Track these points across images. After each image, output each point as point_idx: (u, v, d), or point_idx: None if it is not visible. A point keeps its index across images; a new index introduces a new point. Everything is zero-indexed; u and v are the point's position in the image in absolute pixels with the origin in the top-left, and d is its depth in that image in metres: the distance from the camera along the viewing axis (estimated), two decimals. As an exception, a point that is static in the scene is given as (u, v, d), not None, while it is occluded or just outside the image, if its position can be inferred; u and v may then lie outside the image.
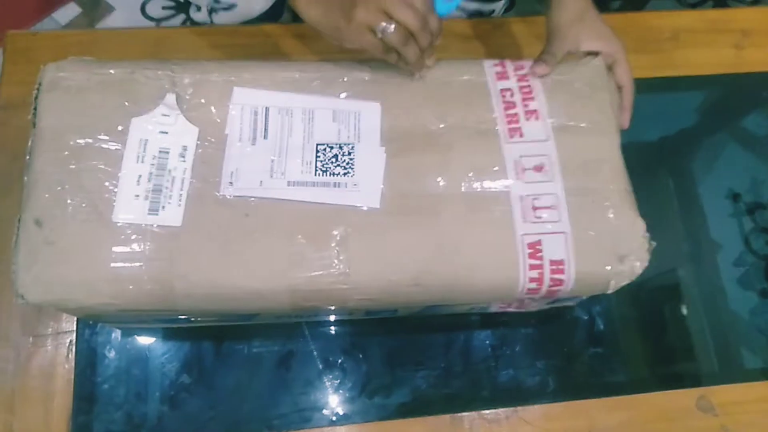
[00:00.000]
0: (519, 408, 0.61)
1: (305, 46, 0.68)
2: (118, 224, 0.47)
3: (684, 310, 0.68)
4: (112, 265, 0.46)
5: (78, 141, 0.49)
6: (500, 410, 0.61)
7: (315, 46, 0.68)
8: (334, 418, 0.60)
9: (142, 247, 0.47)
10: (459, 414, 0.60)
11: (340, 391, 0.61)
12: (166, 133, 0.50)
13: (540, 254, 0.50)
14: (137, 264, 0.46)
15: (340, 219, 0.49)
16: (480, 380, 0.63)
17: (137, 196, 0.48)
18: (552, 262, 0.50)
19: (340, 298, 0.49)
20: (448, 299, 0.52)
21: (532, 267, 0.50)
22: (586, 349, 0.66)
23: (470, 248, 0.50)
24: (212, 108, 0.52)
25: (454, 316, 0.62)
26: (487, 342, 0.64)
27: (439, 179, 0.52)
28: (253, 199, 0.49)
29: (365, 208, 0.50)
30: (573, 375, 0.64)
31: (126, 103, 0.51)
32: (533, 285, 0.50)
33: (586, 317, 0.67)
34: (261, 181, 0.50)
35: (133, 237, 0.47)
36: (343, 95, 0.54)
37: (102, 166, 0.48)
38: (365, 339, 0.63)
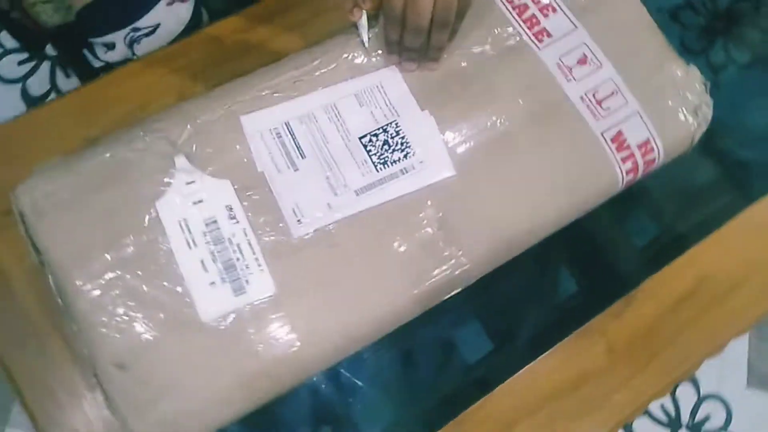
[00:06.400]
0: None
1: (266, 34, 0.57)
2: (210, 324, 0.40)
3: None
4: (228, 369, 0.40)
5: (107, 256, 0.40)
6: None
7: (278, 34, 0.56)
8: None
9: (249, 333, 0.40)
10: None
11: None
12: (201, 201, 0.42)
13: (626, 144, 0.47)
14: (253, 352, 0.40)
15: (425, 203, 0.44)
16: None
17: (212, 283, 0.40)
18: (639, 146, 0.47)
19: (464, 279, 0.45)
20: (559, 226, 0.49)
21: (624, 159, 0.47)
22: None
23: (560, 168, 0.47)
24: (229, 151, 0.44)
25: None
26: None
27: (494, 117, 0.47)
28: (330, 226, 0.43)
29: (443, 181, 0.45)
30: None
31: (134, 190, 0.42)
32: (630, 176, 0.48)
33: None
34: (328, 204, 0.43)
35: (234, 328, 0.40)
36: (353, 74, 0.47)
37: (154, 269, 0.40)
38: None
